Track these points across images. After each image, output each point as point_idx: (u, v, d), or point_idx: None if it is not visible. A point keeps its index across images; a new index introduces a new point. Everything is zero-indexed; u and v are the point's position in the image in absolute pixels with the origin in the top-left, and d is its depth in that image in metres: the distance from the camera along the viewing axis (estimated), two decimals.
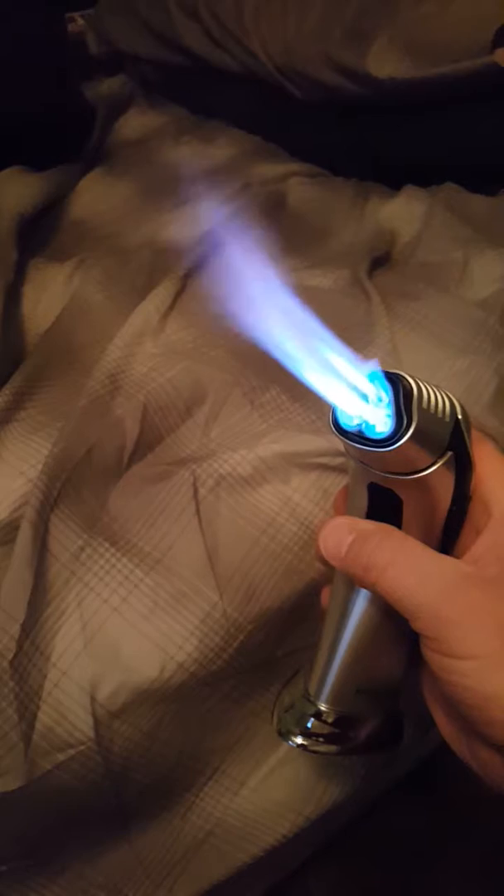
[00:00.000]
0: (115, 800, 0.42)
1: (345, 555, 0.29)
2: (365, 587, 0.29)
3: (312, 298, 0.58)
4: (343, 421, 0.26)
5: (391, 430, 0.25)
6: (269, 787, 0.47)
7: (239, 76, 0.93)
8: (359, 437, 0.26)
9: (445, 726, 0.31)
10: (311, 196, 0.78)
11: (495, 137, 0.74)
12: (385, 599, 0.28)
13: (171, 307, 0.55)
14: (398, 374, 0.26)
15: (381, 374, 0.26)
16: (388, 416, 0.25)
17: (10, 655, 0.38)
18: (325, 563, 0.34)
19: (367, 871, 0.73)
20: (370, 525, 0.30)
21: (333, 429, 0.27)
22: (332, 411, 0.27)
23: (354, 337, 0.54)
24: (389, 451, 0.25)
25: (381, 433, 0.25)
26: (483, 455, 0.30)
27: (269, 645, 0.44)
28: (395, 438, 0.24)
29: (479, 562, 0.29)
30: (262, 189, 0.77)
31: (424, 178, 0.80)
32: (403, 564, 0.28)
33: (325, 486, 0.47)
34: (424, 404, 0.25)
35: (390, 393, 0.25)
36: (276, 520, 0.45)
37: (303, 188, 0.79)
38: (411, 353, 0.54)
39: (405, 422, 0.24)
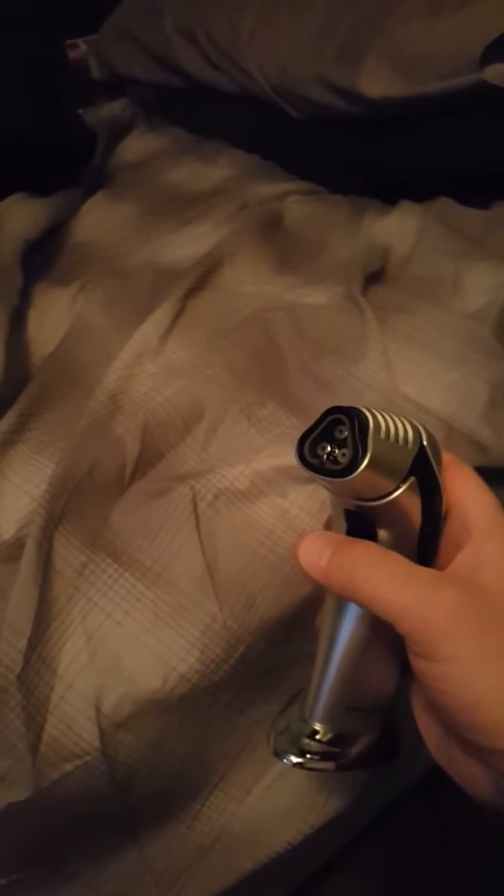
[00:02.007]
0: (122, 808, 0.43)
1: (326, 565, 0.30)
2: (347, 596, 0.30)
3: (307, 315, 0.60)
4: (308, 454, 0.29)
5: (349, 460, 0.27)
6: (274, 795, 0.47)
7: (236, 96, 0.95)
8: (323, 468, 0.28)
9: (429, 735, 0.32)
10: (308, 214, 0.79)
11: (487, 150, 0.75)
12: (369, 607, 0.29)
13: (171, 328, 0.57)
14: (355, 408, 0.28)
15: (339, 409, 0.28)
16: (348, 448, 0.27)
17: (18, 669, 0.39)
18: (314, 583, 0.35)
19: (381, 880, 0.73)
20: (348, 539, 0.31)
21: (300, 463, 0.29)
22: (297, 445, 0.29)
23: (348, 352, 0.55)
24: (349, 479, 0.27)
25: (341, 464, 0.27)
26: (460, 478, 0.31)
27: (270, 655, 0.45)
28: (353, 468, 0.26)
29: (459, 572, 0.30)
30: (259, 208, 0.78)
31: (419, 191, 0.81)
32: (386, 570, 0.29)
33: (321, 497, 0.48)
34: (382, 434, 0.27)
35: (348, 427, 0.27)
36: (274, 532, 0.46)
37: (299, 206, 0.81)
38: (405, 366, 0.55)
39: (361, 452, 0.26)
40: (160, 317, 0.57)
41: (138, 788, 0.43)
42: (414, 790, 0.63)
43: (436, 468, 0.29)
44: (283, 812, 0.48)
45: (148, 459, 0.49)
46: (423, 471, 0.28)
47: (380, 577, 0.28)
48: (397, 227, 0.73)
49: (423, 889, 0.72)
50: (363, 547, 0.30)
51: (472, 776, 0.29)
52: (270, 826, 0.48)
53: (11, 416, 0.49)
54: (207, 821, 0.47)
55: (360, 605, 0.30)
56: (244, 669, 0.44)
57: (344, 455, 0.27)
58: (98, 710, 0.40)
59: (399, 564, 0.29)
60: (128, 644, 0.41)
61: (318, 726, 0.35)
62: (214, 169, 0.94)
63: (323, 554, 0.30)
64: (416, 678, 0.29)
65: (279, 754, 0.36)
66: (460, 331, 0.57)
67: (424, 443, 0.28)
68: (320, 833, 0.49)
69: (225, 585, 0.44)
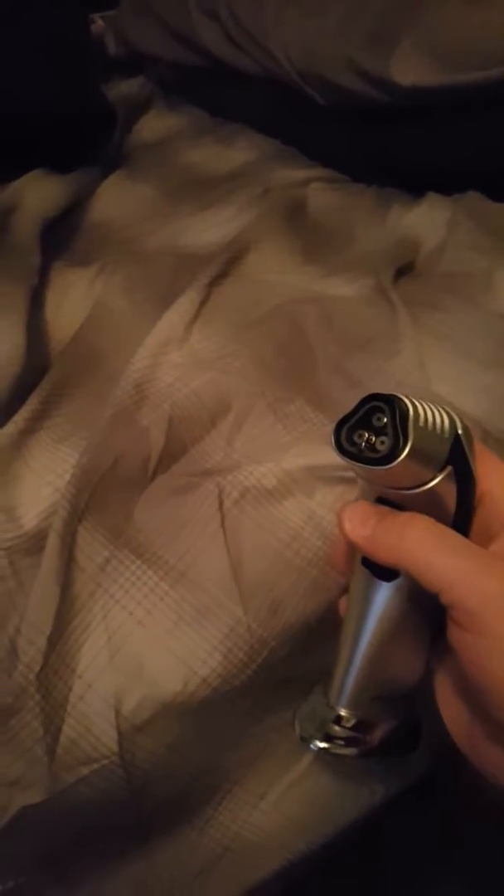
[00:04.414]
0: (135, 814, 0.42)
1: (373, 530, 0.29)
2: (394, 561, 0.29)
3: (337, 308, 0.58)
4: (344, 442, 0.28)
5: (389, 448, 0.26)
6: (288, 803, 0.46)
7: (258, 78, 0.93)
8: (360, 456, 0.27)
9: (454, 722, 0.31)
10: (332, 202, 0.77)
11: None
12: (416, 572, 0.28)
13: (196, 316, 0.55)
14: (395, 396, 0.27)
15: (378, 397, 0.28)
16: (387, 435, 0.27)
17: (37, 668, 0.38)
18: (341, 572, 0.35)
19: (372, 878, 0.72)
20: (394, 510, 0.30)
21: (336, 450, 0.28)
22: (333, 433, 0.29)
23: (381, 347, 0.53)
24: (389, 468, 0.26)
25: (380, 451, 0.27)
26: (491, 467, 0.31)
27: (293, 660, 0.44)
28: (394, 456, 0.26)
29: None
30: (282, 194, 0.76)
31: (445, 185, 0.79)
32: (439, 538, 0.28)
33: (349, 499, 0.47)
34: (421, 422, 0.27)
35: (387, 414, 0.27)
36: (301, 534, 0.45)
37: (323, 194, 0.79)
38: (437, 366, 0.53)
39: (402, 440, 0.26)
40: (185, 304, 0.55)
41: (152, 793, 0.41)
42: (411, 791, 0.62)
43: (470, 457, 0.29)
44: (295, 821, 0.46)
45: (171, 453, 0.48)
46: (458, 459, 0.28)
47: (433, 542, 0.28)
48: (426, 220, 0.71)
49: (412, 888, 0.72)
50: (413, 515, 0.29)
51: (495, 764, 0.29)
52: (283, 834, 0.46)
53: (33, 402, 0.47)
54: (220, 826, 0.45)
55: (407, 570, 0.29)
56: (266, 675, 0.42)
57: (383, 443, 0.27)
58: (118, 712, 0.39)
59: (452, 534, 0.28)
60: (149, 645, 0.40)
61: (343, 712, 0.35)
62: (234, 151, 0.92)
63: (368, 520, 0.30)
64: (453, 655, 0.28)
65: (305, 739, 0.36)
66: (494, 332, 0.56)
67: (459, 431, 0.28)
68: (331, 841, 0.48)
69: (250, 588, 0.43)
